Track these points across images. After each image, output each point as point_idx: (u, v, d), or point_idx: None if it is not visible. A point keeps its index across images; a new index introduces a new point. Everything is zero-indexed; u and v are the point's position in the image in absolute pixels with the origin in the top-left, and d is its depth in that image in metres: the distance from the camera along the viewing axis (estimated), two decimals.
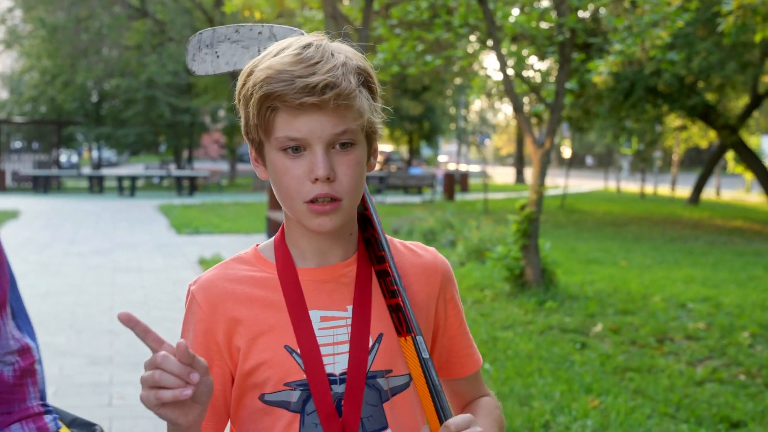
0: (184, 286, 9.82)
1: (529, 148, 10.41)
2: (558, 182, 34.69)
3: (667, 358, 7.44)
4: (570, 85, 10.75)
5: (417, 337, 1.51)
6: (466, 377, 1.70)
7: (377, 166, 1.62)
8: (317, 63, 1.40)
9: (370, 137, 1.49)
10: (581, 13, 12.93)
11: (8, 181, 34.89)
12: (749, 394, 6.33)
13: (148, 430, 5.44)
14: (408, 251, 1.64)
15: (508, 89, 10.17)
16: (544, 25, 10.68)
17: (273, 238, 1.60)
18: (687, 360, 7.36)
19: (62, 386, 6.38)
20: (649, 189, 42.51)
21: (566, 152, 59.97)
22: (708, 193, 41.95)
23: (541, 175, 10.22)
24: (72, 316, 9.03)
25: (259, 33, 1.53)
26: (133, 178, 32.39)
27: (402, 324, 1.51)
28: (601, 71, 10.40)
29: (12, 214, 21.24)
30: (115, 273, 12.07)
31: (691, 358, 7.43)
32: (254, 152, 1.53)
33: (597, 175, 62.26)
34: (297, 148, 1.43)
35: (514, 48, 12.07)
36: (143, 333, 1.31)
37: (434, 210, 22.52)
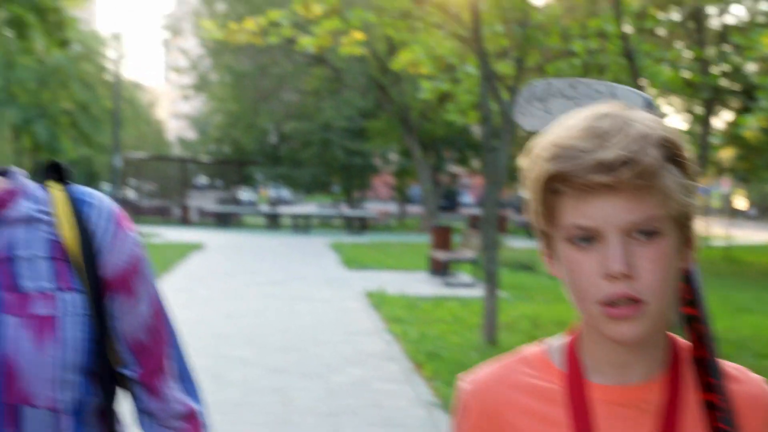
0: (350, 314, 11.19)
1: None
2: (730, 233, 34.10)
3: None
4: (715, 138, 11.35)
5: None
6: None
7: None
8: (611, 135, 1.15)
9: (683, 224, 1.20)
10: (748, 66, 13.43)
11: (193, 215, 37.57)
12: None
13: (318, 425, 6.54)
14: (727, 376, 1.30)
15: None
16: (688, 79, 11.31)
17: (564, 340, 1.34)
18: None
19: (246, 390, 7.58)
20: None
21: (740, 203, 58.50)
22: None
23: None
24: (252, 334, 10.33)
25: (597, 91, 1.38)
26: (307, 217, 34.30)
27: None
28: (750, 126, 10.95)
29: (197, 246, 23.23)
30: (289, 301, 13.41)
31: None
32: (544, 245, 1.28)
33: None
34: (588, 238, 1.18)
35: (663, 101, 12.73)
36: None
37: None
